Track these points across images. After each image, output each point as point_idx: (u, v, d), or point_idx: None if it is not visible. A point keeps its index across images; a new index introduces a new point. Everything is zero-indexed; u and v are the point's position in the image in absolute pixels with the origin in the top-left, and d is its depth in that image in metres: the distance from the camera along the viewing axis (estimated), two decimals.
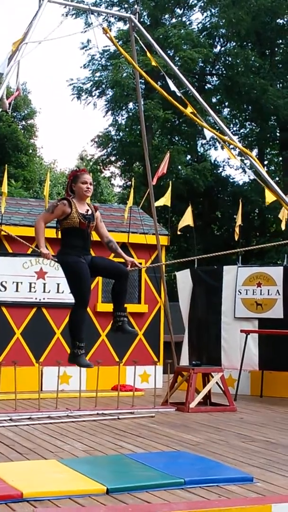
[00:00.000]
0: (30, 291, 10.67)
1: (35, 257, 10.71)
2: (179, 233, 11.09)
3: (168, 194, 10.71)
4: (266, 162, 26.65)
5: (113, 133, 25.06)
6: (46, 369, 10.33)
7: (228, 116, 25.59)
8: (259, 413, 9.23)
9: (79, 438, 7.08)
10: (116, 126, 24.85)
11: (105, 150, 25.44)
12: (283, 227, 10.87)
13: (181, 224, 11.10)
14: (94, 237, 6.44)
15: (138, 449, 6.58)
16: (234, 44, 24.55)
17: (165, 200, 10.69)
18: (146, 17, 23.94)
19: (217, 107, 24.70)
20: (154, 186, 10.39)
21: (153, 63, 9.03)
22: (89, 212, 6.20)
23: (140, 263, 8.59)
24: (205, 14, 24.64)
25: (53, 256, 6.25)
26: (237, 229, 11.28)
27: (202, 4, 24.21)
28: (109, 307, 11.03)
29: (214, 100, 25.11)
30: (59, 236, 6.28)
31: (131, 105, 24.06)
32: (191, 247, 22.83)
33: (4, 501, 4.56)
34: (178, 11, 25.09)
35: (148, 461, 5.82)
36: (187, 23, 24.69)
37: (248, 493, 5.02)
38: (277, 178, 24.34)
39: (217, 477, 5.34)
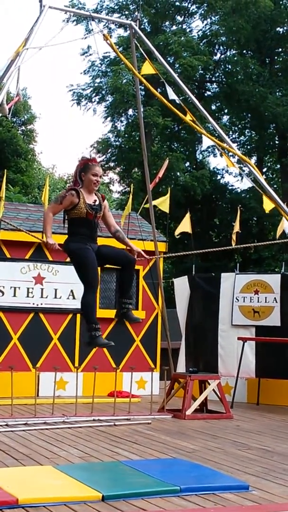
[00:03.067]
0: (27, 296, 10.65)
1: (33, 262, 10.71)
2: (177, 236, 11.06)
3: (166, 198, 10.71)
4: (264, 170, 26.71)
5: (112, 139, 25.09)
6: (42, 374, 10.31)
7: (227, 124, 25.64)
8: (255, 421, 9.22)
9: (75, 444, 7.06)
10: (116, 132, 24.88)
11: (104, 156, 25.48)
12: (278, 233, 10.84)
13: (179, 230, 11.09)
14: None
15: (134, 456, 6.58)
16: (234, 52, 24.62)
17: (163, 203, 10.68)
18: (146, 24, 24.00)
19: (217, 115, 24.76)
20: (152, 193, 10.39)
21: (150, 71, 9.01)
22: (97, 203, 6.23)
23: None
24: (205, 22, 24.73)
25: (59, 245, 6.25)
26: (234, 236, 11.28)
27: (203, 12, 24.29)
28: (107, 313, 11.01)
29: (213, 107, 25.17)
30: (66, 226, 6.31)
31: (130, 111, 24.10)
32: (189, 255, 22.83)
33: (0, 507, 4.55)
34: (179, 18, 25.16)
35: (144, 468, 5.81)
36: (188, 30, 24.76)
37: (243, 501, 5.01)
38: (275, 186, 24.38)
39: (212, 485, 5.33)
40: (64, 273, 10.83)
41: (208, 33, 24.49)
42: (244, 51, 24.47)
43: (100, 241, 6.44)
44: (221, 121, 24.77)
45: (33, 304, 10.70)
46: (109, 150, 25.03)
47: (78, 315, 11.00)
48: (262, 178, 8.98)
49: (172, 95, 8.72)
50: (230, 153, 9.23)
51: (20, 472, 5.67)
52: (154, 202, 10.50)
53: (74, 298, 10.91)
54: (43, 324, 10.81)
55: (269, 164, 28.03)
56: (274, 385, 10.78)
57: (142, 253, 6.64)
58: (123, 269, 6.32)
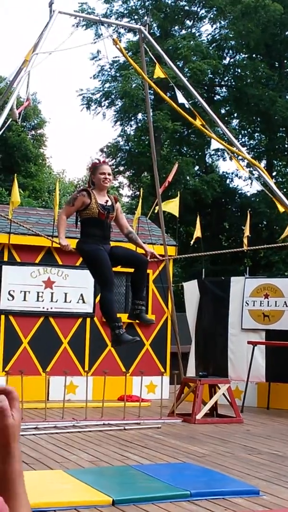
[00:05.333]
0: (37, 300, 10.67)
1: (43, 267, 10.73)
2: (198, 236, 11.01)
3: (176, 201, 10.71)
4: (274, 173, 26.66)
5: (121, 143, 25.14)
6: (52, 378, 10.32)
7: (236, 127, 25.64)
8: (265, 425, 9.18)
9: (85, 449, 7.06)
10: (125, 136, 24.93)
11: (114, 160, 25.52)
12: (284, 235, 10.82)
13: (195, 235, 11.08)
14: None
15: (144, 460, 6.56)
16: (243, 55, 24.63)
17: (173, 206, 10.67)
18: (156, 28, 24.05)
19: (226, 118, 24.75)
20: (162, 197, 10.40)
21: (161, 75, 9.04)
22: (109, 203, 6.27)
23: (161, 255, 8.63)
24: (214, 26, 24.76)
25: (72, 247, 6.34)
26: (245, 240, 11.24)
27: (212, 16, 24.32)
28: None
29: (223, 111, 25.17)
30: (78, 227, 6.38)
31: (140, 115, 24.15)
32: (199, 257, 22.83)
33: None
34: (188, 22, 25.20)
35: (154, 472, 5.80)
36: (197, 34, 24.79)
37: (254, 506, 4.99)
38: (285, 190, 24.32)
39: (223, 489, 5.32)
40: (74, 277, 10.85)
41: (218, 37, 24.53)
42: (254, 55, 24.47)
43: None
44: (230, 125, 24.76)
45: (43, 308, 10.72)
46: (119, 154, 25.07)
47: (88, 319, 11.02)
48: (272, 182, 8.96)
49: (181, 99, 8.72)
50: (240, 157, 9.23)
51: (30, 476, 5.65)
52: (164, 208, 10.50)
53: (84, 302, 10.93)
54: (53, 328, 10.82)
55: (278, 168, 27.97)
56: (284, 389, 10.73)
57: (155, 253, 6.73)
58: (136, 270, 6.35)
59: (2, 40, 51.24)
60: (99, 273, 6.18)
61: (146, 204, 18.24)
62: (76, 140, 58.68)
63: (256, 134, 26.43)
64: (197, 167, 25.15)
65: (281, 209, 8.98)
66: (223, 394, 9.44)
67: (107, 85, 24.70)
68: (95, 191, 6.25)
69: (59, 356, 10.79)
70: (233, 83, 25.03)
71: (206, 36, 25.23)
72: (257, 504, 5.04)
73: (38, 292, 10.68)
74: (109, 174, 6.33)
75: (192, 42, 22.51)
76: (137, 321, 6.54)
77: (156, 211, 10.55)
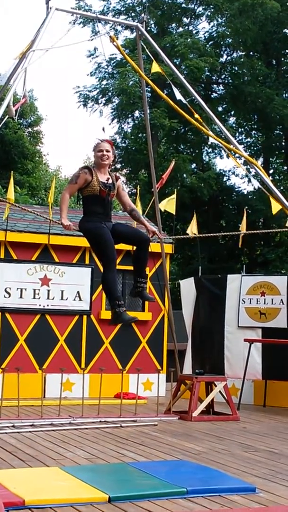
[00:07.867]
0: (34, 297, 10.66)
1: (40, 264, 10.72)
2: (193, 235, 11.02)
3: (173, 199, 10.71)
4: (271, 171, 26.66)
5: (118, 141, 25.10)
6: (49, 376, 10.32)
7: (233, 125, 25.61)
8: (262, 423, 9.20)
9: (81, 446, 7.07)
10: (122, 134, 24.90)
11: None
12: None
13: (190, 230, 11.09)
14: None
15: (140, 457, 6.57)
16: (241, 53, 24.60)
17: (169, 204, 10.68)
18: (153, 25, 24.01)
19: (223, 116, 24.73)
20: (159, 194, 10.40)
21: (159, 70, 9.04)
22: (110, 181, 6.31)
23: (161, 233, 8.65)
24: (212, 23, 24.71)
25: (74, 226, 6.37)
26: (243, 228, 11.18)
27: (209, 14, 24.28)
28: None
29: (220, 109, 25.15)
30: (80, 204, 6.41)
31: (137, 113, 24.11)
32: (195, 255, 22.85)
33: (6, 508, 4.55)
34: (185, 20, 25.16)
35: (150, 469, 5.81)
36: (194, 32, 24.75)
37: (250, 503, 5.00)
38: (282, 188, 24.34)
39: (219, 486, 5.32)
40: (70, 275, 10.85)
41: (215, 35, 24.47)
42: (251, 53, 24.45)
43: None
44: (227, 123, 24.74)
45: (40, 305, 10.71)
46: (116, 151, 25.03)
47: (85, 317, 11.02)
48: (268, 180, 8.97)
49: (178, 95, 8.72)
50: (237, 155, 9.23)
51: (26, 474, 5.67)
52: (160, 206, 10.50)
53: (80, 299, 10.93)
54: (50, 326, 10.82)
55: (275, 166, 27.97)
56: (280, 387, 10.76)
57: (157, 232, 6.75)
58: (138, 247, 6.39)
59: None
60: (102, 251, 6.21)
61: (143, 201, 18.22)
62: (73, 137, 58.63)
63: (253, 132, 26.41)
64: (194, 165, 25.13)
65: (274, 209, 8.95)
66: (220, 391, 9.46)
67: (104, 82, 24.65)
68: (96, 169, 6.30)
69: (55, 353, 10.79)
70: (230, 80, 24.99)
71: (203, 33, 25.20)
72: (253, 501, 5.05)
73: (34, 290, 10.68)
74: (107, 151, 6.33)
75: (189, 40, 22.46)
76: (139, 298, 6.54)
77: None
